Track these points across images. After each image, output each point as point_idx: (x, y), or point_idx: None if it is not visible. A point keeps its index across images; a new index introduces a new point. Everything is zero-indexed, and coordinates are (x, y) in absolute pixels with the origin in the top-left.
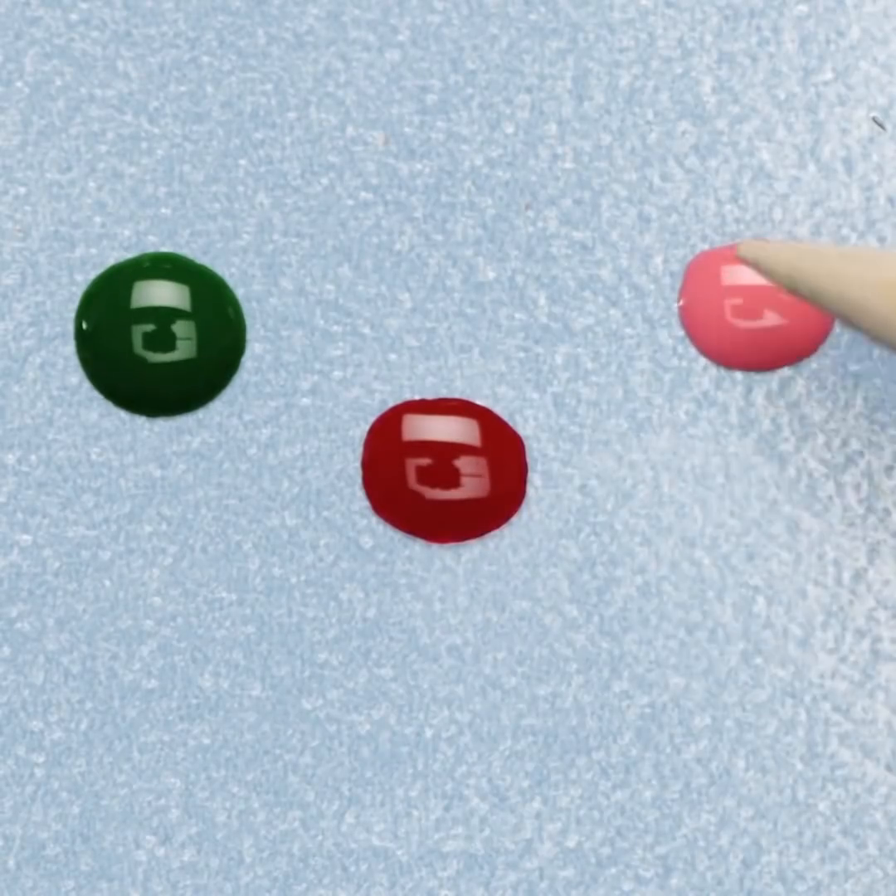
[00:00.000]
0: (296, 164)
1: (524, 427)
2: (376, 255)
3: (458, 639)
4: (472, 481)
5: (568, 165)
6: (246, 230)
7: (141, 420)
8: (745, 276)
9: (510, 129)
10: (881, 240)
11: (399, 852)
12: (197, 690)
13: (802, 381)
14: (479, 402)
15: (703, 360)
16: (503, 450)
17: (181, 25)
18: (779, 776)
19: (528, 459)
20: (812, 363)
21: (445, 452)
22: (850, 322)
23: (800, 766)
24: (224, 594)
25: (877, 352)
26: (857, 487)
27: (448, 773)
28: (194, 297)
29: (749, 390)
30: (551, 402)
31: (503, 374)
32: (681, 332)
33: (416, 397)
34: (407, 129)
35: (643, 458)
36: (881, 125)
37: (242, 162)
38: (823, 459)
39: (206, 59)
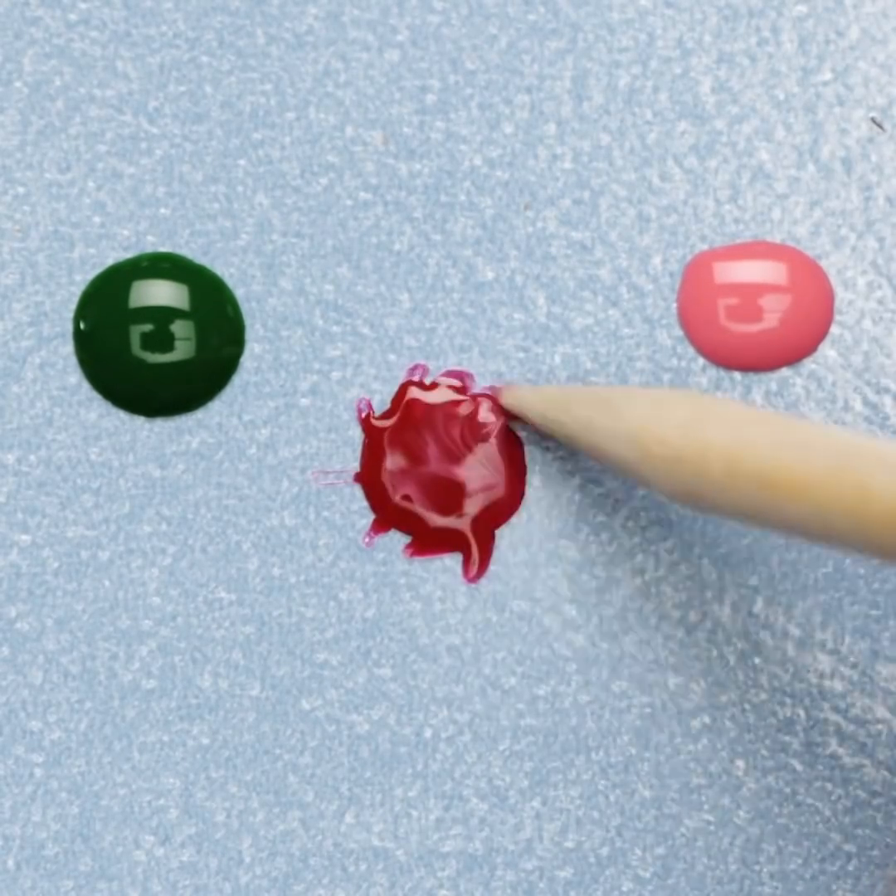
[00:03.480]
0: (295, 164)
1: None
2: (376, 255)
3: (457, 639)
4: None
5: (567, 165)
6: (245, 230)
7: (140, 420)
8: (745, 276)
9: (510, 129)
10: (880, 240)
11: (398, 852)
12: (196, 690)
13: (802, 381)
14: None
15: (701, 360)
16: (505, 449)
17: (181, 25)
18: (778, 776)
19: (528, 459)
20: (812, 363)
21: None
22: (602, 462)
23: (799, 767)
24: (224, 594)
25: (876, 352)
26: None
27: (447, 773)
28: (193, 296)
29: (749, 390)
30: None
31: (503, 374)
32: (680, 332)
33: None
34: (406, 129)
35: None
36: (880, 125)
37: (242, 162)
38: None
39: (205, 59)
